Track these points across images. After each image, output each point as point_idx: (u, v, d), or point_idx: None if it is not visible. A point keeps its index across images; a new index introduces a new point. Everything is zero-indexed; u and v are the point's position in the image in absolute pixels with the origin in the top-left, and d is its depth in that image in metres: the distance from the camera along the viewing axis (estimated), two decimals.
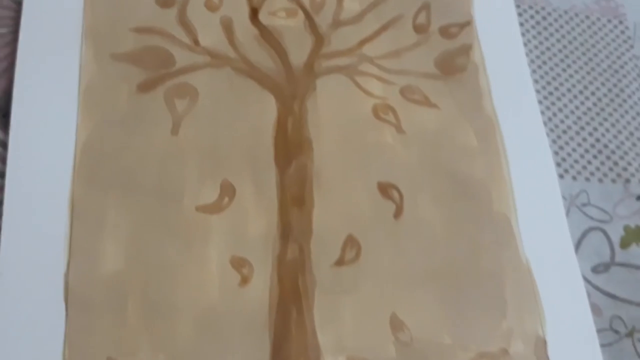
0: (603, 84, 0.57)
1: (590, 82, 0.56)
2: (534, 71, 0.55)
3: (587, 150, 0.53)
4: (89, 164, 0.43)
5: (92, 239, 0.41)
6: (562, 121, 0.54)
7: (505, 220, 0.48)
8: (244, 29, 0.50)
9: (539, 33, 0.58)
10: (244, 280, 0.42)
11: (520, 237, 0.47)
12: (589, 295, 0.47)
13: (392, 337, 0.42)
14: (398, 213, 0.46)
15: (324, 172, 0.46)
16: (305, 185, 0.46)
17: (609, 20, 0.60)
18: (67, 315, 0.39)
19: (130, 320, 0.40)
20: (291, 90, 0.48)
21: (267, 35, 0.50)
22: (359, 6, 0.53)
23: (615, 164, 0.53)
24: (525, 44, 0.56)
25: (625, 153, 0.54)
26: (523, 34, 0.56)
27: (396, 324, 0.43)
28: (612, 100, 0.56)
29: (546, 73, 0.56)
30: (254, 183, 0.45)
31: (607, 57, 0.58)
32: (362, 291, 0.43)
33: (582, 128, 0.54)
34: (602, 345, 0.46)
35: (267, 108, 0.48)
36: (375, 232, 0.45)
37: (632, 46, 0.59)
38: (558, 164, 0.52)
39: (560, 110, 0.55)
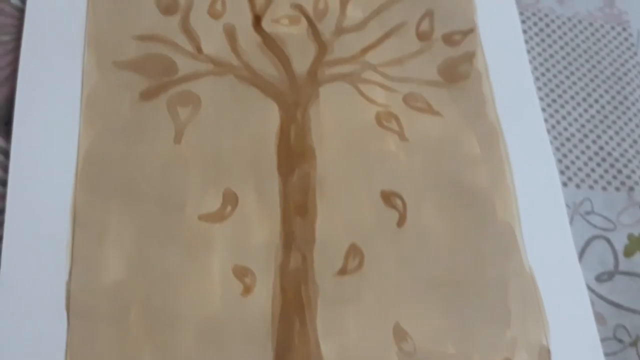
0: (607, 91, 0.56)
1: (594, 90, 0.56)
2: (537, 78, 0.55)
3: (590, 158, 0.53)
4: (91, 172, 0.43)
5: (94, 247, 0.41)
6: (565, 129, 0.54)
7: (509, 229, 0.47)
8: (247, 37, 0.50)
9: (543, 40, 0.57)
10: (247, 290, 0.42)
11: (524, 246, 0.47)
12: (592, 304, 0.47)
13: (395, 347, 0.42)
14: (401, 222, 0.46)
15: (327, 180, 0.46)
16: (308, 193, 0.45)
17: (613, 27, 0.60)
18: (68, 324, 0.39)
19: (133, 329, 0.40)
20: (294, 98, 0.48)
21: (270, 43, 0.50)
22: (362, 14, 0.53)
23: (619, 171, 0.53)
24: (528, 51, 0.56)
25: (629, 161, 0.54)
26: (526, 41, 0.56)
27: (399, 334, 0.43)
28: (615, 107, 0.56)
29: (549, 80, 0.56)
30: (256, 191, 0.45)
31: (610, 64, 0.58)
32: (365, 301, 0.43)
33: (586, 135, 0.54)
34: (606, 355, 0.46)
35: (270, 116, 0.47)
36: (378, 241, 0.45)
37: (635, 53, 0.59)
38: (561, 172, 0.52)
39: (563, 117, 0.54)
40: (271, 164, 0.46)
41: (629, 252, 0.50)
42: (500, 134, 0.51)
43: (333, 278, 0.43)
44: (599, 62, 0.58)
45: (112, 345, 0.39)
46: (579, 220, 0.51)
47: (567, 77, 0.56)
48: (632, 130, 0.55)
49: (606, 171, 0.53)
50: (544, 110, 0.54)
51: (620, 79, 0.57)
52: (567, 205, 0.50)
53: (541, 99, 0.54)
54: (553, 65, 0.56)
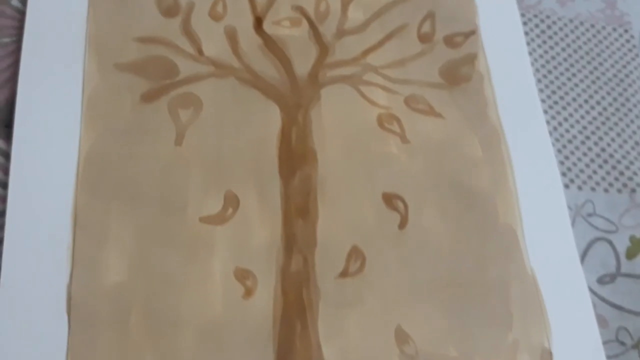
0: (608, 93, 0.56)
1: (596, 91, 0.56)
2: (538, 80, 0.55)
3: (592, 160, 0.53)
4: (92, 174, 0.43)
5: (95, 249, 0.41)
6: (567, 130, 0.54)
7: (511, 231, 0.47)
8: (248, 39, 0.50)
9: (544, 42, 0.57)
10: (248, 293, 0.42)
11: (526, 248, 0.47)
12: (594, 306, 0.47)
13: (397, 350, 0.42)
14: (403, 224, 0.46)
15: (329, 182, 0.46)
16: (310, 195, 0.45)
17: (614, 29, 0.59)
18: (69, 327, 0.39)
19: (134, 332, 0.40)
20: (295, 100, 0.48)
21: (272, 45, 0.50)
22: (363, 15, 0.53)
23: (621, 173, 0.53)
24: (530, 53, 0.56)
25: (631, 163, 0.53)
26: (528, 43, 0.56)
27: (401, 337, 0.42)
28: (617, 109, 0.56)
29: (551, 82, 0.56)
30: (258, 194, 0.45)
31: (612, 66, 0.58)
32: (366, 303, 0.43)
33: (588, 137, 0.54)
34: (608, 357, 0.46)
35: (271, 118, 0.47)
36: (379, 243, 0.45)
37: (637, 55, 0.59)
38: (563, 174, 0.52)
39: (565, 119, 0.54)
40: (272, 166, 0.46)
41: (631, 254, 0.50)
42: (502, 136, 0.51)
43: (334, 281, 0.43)
44: (600, 64, 0.58)
45: (113, 348, 0.39)
46: (581, 222, 0.50)
47: (569, 79, 0.56)
48: (634, 132, 0.55)
49: (608, 173, 0.53)
50: (545, 112, 0.54)
51: (622, 80, 0.57)
52: (569, 207, 0.50)
53: (543, 101, 0.54)
54: (555, 67, 0.56)
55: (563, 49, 0.57)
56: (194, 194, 0.44)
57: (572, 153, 0.53)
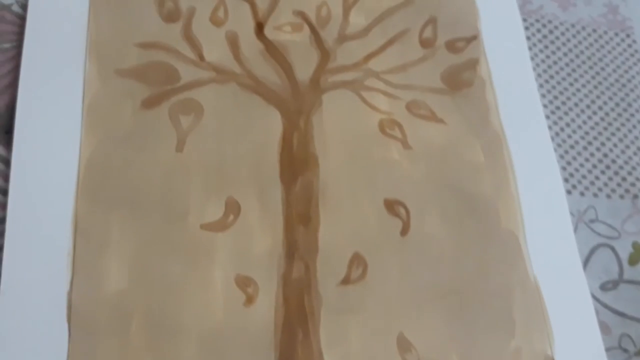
0: (610, 98, 0.56)
1: (598, 97, 0.56)
2: (540, 85, 0.55)
3: (594, 166, 0.53)
4: (93, 181, 0.43)
5: (95, 257, 0.41)
6: (569, 136, 0.54)
7: (513, 238, 0.47)
8: (250, 44, 0.50)
9: (546, 47, 0.57)
10: (249, 300, 0.42)
11: (528, 255, 0.47)
12: (597, 313, 0.47)
13: (399, 357, 0.42)
14: (405, 230, 0.46)
15: (330, 188, 0.46)
16: (311, 202, 0.45)
17: (616, 34, 0.59)
18: (70, 335, 0.39)
19: (134, 340, 0.40)
20: (297, 105, 0.48)
21: (273, 50, 0.50)
22: (365, 21, 0.52)
23: (624, 179, 0.53)
24: (532, 58, 0.55)
25: (634, 168, 0.53)
26: (530, 48, 0.56)
27: (403, 345, 0.42)
28: (619, 114, 0.56)
29: (553, 87, 0.55)
30: (259, 200, 0.44)
31: (614, 70, 0.58)
32: (368, 311, 0.43)
33: (590, 143, 0.54)
34: None
35: (272, 124, 0.47)
36: (381, 250, 0.45)
37: (639, 60, 0.58)
38: (566, 180, 0.51)
39: (567, 125, 0.54)
40: (274, 172, 0.46)
41: (633, 261, 0.50)
42: (504, 141, 0.50)
43: (336, 288, 0.43)
44: (602, 68, 0.57)
45: (113, 356, 0.39)
46: (583, 229, 0.50)
47: (571, 84, 0.56)
48: (637, 138, 0.55)
49: (610, 179, 0.53)
50: (547, 117, 0.53)
51: (624, 85, 0.57)
52: (572, 214, 0.50)
53: (545, 106, 0.54)
54: (557, 72, 0.56)
55: (565, 54, 0.57)
56: (195, 201, 0.44)
57: (574, 159, 0.53)
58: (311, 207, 0.45)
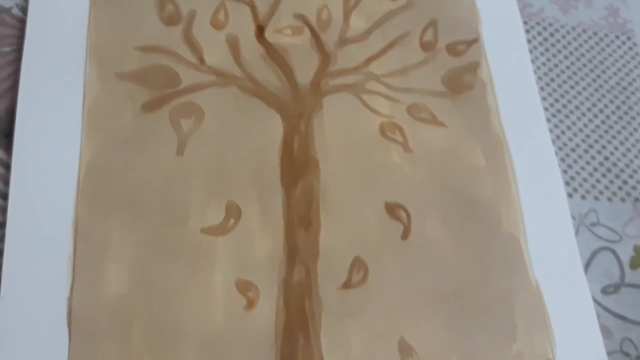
0: (611, 101, 0.56)
1: (599, 99, 0.56)
2: (541, 88, 0.55)
3: (595, 169, 0.53)
4: (93, 185, 0.43)
5: (96, 261, 0.41)
6: (570, 139, 0.54)
7: (514, 241, 0.47)
8: (250, 47, 0.50)
9: (547, 50, 0.57)
10: (250, 304, 0.41)
11: (530, 258, 0.47)
12: (598, 316, 0.47)
13: None
14: (406, 234, 0.46)
15: (331, 192, 0.46)
16: (312, 205, 0.45)
17: (617, 37, 0.59)
18: (70, 339, 0.39)
19: (135, 345, 0.39)
20: (297, 109, 0.48)
21: (274, 54, 0.50)
22: (366, 24, 0.52)
23: (625, 182, 0.53)
24: (532, 61, 0.55)
25: (635, 171, 0.53)
26: (531, 51, 0.56)
27: (404, 349, 0.42)
28: (620, 117, 0.55)
29: (554, 90, 0.55)
30: (260, 204, 0.44)
31: (615, 73, 0.58)
32: (369, 315, 0.43)
33: (591, 146, 0.54)
34: None
35: (273, 127, 0.47)
36: (382, 254, 0.45)
37: None
38: (567, 183, 0.51)
39: (568, 128, 0.54)
40: (274, 175, 0.46)
41: (635, 264, 0.50)
42: (505, 144, 0.50)
43: (337, 292, 0.43)
44: (603, 71, 0.57)
45: None
46: (585, 232, 0.50)
47: (572, 87, 0.56)
48: (638, 141, 0.55)
49: (611, 182, 0.53)
50: (548, 120, 0.53)
51: (625, 88, 0.57)
52: (573, 217, 0.50)
53: (546, 109, 0.54)
54: (557, 75, 0.56)
55: (566, 57, 0.57)
56: (195, 205, 0.43)
57: (575, 162, 0.53)
58: (312, 210, 0.45)
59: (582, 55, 0.58)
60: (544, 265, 0.47)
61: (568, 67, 0.57)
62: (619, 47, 0.59)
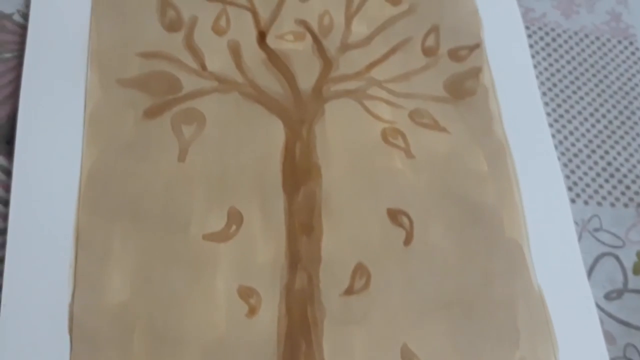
0: (614, 106, 0.56)
1: (601, 105, 0.56)
2: (544, 94, 0.55)
3: (598, 174, 0.53)
4: (95, 191, 0.43)
5: (97, 268, 0.41)
6: (573, 144, 0.53)
7: (517, 247, 0.47)
8: (252, 53, 0.49)
9: (549, 55, 0.57)
10: (252, 311, 0.41)
11: (533, 264, 0.47)
12: (602, 322, 0.47)
13: None
14: (408, 240, 0.45)
15: (333, 198, 0.46)
16: (314, 212, 0.45)
17: (619, 42, 0.59)
18: (71, 346, 0.39)
19: (136, 351, 0.39)
20: (299, 115, 0.48)
21: (275, 60, 0.49)
22: (367, 29, 0.52)
23: (627, 188, 0.53)
24: (535, 66, 0.55)
25: (637, 177, 0.53)
26: (533, 56, 0.56)
27: (407, 355, 0.42)
28: (623, 122, 0.55)
29: (556, 95, 0.55)
30: (261, 210, 0.44)
31: (617, 78, 0.57)
32: (372, 321, 0.42)
33: (593, 151, 0.54)
34: None
35: (275, 133, 0.47)
36: (385, 260, 0.45)
37: None
38: (569, 189, 0.51)
39: (571, 133, 0.54)
40: (276, 182, 0.45)
41: (638, 270, 0.50)
42: (507, 150, 0.50)
43: (339, 298, 0.43)
44: (605, 76, 0.57)
45: None
46: (588, 238, 0.50)
47: (574, 92, 0.56)
48: None
49: (614, 187, 0.52)
50: (551, 125, 0.53)
51: (627, 93, 0.57)
52: (575, 223, 0.50)
53: (548, 114, 0.54)
54: (560, 80, 0.56)
55: (568, 62, 0.57)
56: (197, 211, 0.43)
57: (578, 167, 0.53)
58: (314, 217, 0.45)
59: (585, 60, 0.58)
60: (547, 271, 0.47)
61: (570, 72, 0.57)
62: (621, 52, 0.59)
